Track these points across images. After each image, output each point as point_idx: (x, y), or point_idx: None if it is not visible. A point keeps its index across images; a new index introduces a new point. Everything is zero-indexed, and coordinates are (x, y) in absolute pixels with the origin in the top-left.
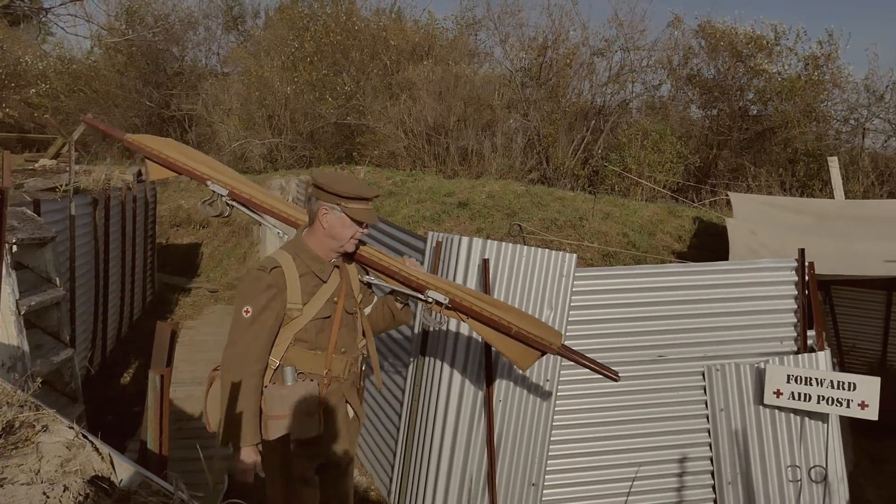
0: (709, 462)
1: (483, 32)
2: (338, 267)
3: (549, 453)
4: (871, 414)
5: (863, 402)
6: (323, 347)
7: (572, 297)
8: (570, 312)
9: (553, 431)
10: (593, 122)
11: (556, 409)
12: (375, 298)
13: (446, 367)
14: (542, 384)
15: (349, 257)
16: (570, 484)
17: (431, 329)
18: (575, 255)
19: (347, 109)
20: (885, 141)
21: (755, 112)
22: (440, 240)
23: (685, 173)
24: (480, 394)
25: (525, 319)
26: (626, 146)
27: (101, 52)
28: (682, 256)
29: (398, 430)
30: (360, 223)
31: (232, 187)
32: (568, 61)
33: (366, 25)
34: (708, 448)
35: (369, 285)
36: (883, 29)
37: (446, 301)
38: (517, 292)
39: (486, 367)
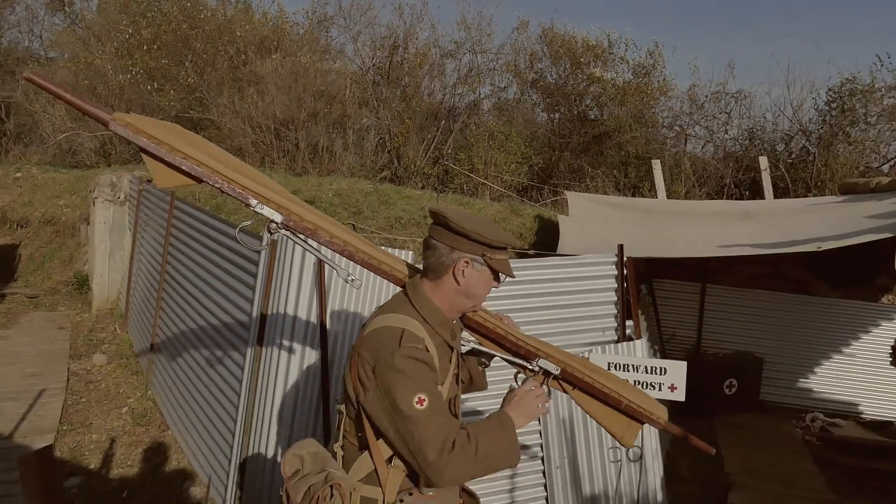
0: (539, 448)
1: (334, 29)
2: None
3: None
4: (679, 396)
5: (672, 385)
6: None
7: None
8: None
9: None
10: (443, 122)
11: None
12: None
13: (282, 369)
14: None
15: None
16: None
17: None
18: (412, 253)
19: (190, 102)
20: (703, 146)
21: (593, 116)
22: (275, 239)
23: (529, 173)
24: (317, 392)
25: (632, 391)
26: (474, 146)
27: None
28: (522, 253)
29: (233, 435)
30: (497, 279)
31: (290, 211)
32: (419, 61)
33: (211, 14)
34: (538, 435)
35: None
36: (704, 43)
37: (557, 372)
38: (353, 291)
39: (322, 369)
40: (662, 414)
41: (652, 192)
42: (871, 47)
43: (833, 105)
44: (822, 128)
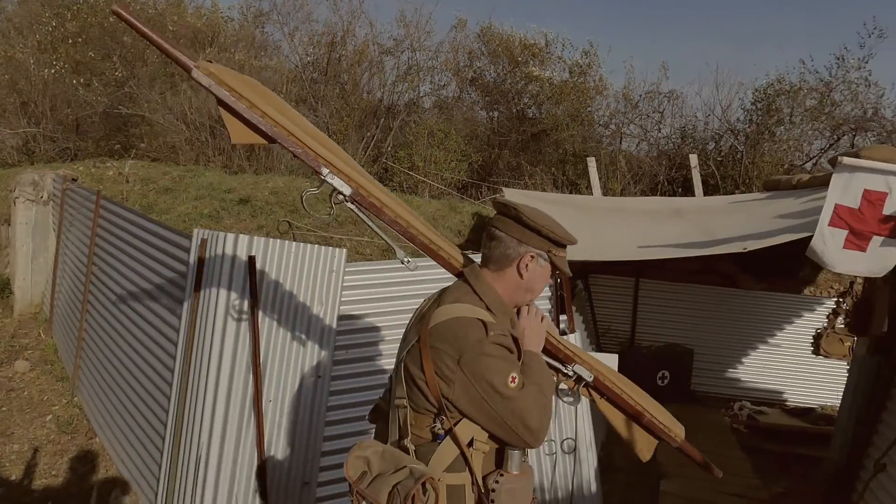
0: None
1: (270, 25)
2: None
3: (323, 449)
4: None
5: None
6: None
7: (343, 293)
8: (341, 307)
9: (326, 427)
10: (382, 119)
11: (329, 404)
12: None
13: (213, 372)
14: (314, 381)
15: None
16: (344, 479)
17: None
18: (345, 250)
19: (119, 97)
20: (638, 145)
21: (531, 115)
22: (205, 237)
23: (469, 171)
24: (249, 395)
25: (654, 406)
26: (414, 144)
27: None
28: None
29: (164, 439)
30: (553, 274)
31: (359, 185)
32: (357, 58)
33: (141, 8)
34: None
35: None
36: (638, 44)
37: (590, 378)
38: (286, 289)
39: (253, 367)
40: (680, 432)
41: (589, 189)
42: (795, 51)
43: (759, 105)
44: (749, 127)
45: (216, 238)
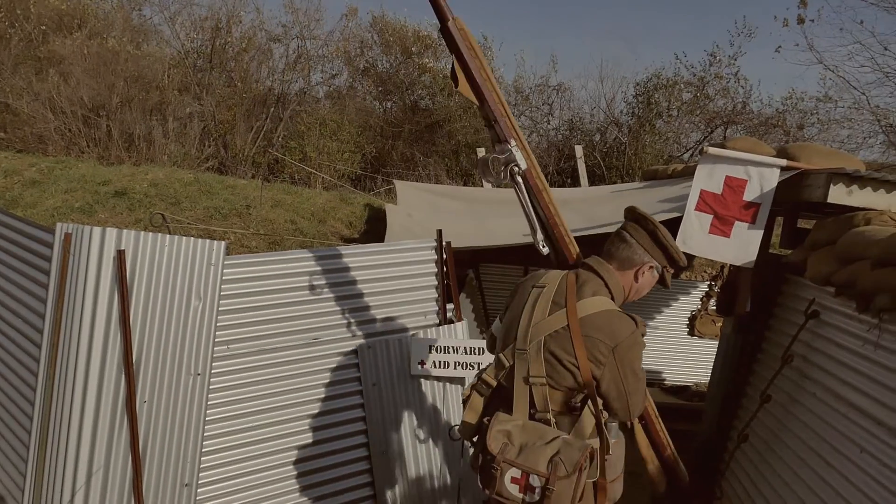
0: (363, 436)
1: (148, 8)
2: None
3: (203, 450)
4: None
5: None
6: None
7: (223, 286)
8: (221, 301)
9: (206, 427)
10: (272, 109)
11: (210, 402)
12: None
13: (80, 373)
14: (192, 379)
15: None
16: (229, 477)
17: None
18: (224, 243)
19: None
20: (529, 136)
21: (424, 106)
22: (69, 231)
23: (363, 162)
24: (122, 396)
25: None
26: (306, 135)
27: None
28: (351, 241)
29: (28, 448)
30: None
31: (532, 164)
32: (244, 45)
33: None
34: (363, 423)
35: None
36: (529, 38)
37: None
38: (160, 285)
39: (125, 368)
40: (684, 477)
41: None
42: (673, 47)
43: (640, 99)
44: (631, 120)
45: (81, 232)
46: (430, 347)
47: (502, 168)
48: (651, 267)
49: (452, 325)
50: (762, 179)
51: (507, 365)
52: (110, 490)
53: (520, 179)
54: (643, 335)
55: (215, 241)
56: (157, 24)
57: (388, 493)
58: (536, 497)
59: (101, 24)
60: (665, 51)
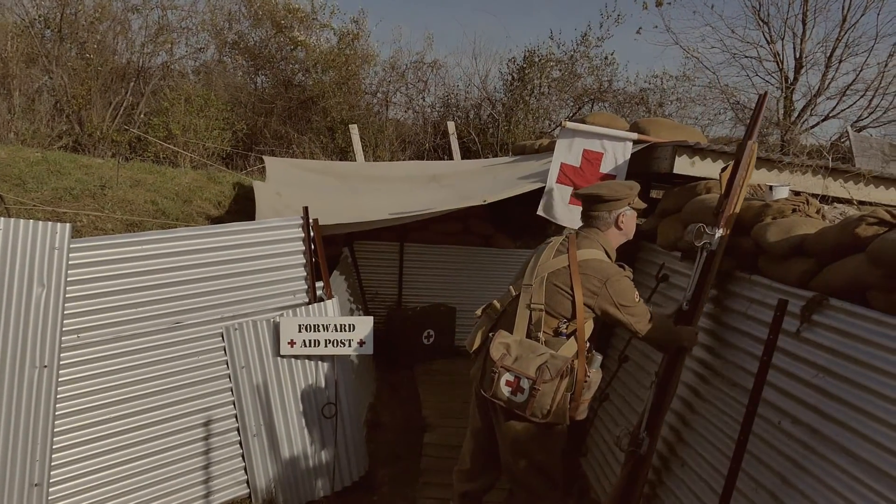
0: (234, 419)
1: None
2: None
3: (55, 447)
4: (368, 350)
5: (360, 340)
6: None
7: (69, 272)
8: (69, 288)
9: (57, 422)
10: (132, 83)
11: (60, 395)
12: None
13: None
14: (37, 372)
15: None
16: (87, 473)
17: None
18: (69, 226)
19: None
20: (405, 112)
21: (298, 82)
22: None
23: (234, 140)
24: None
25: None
26: (170, 111)
27: None
28: (219, 221)
29: None
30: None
31: (719, 252)
32: (98, 15)
33: None
34: (232, 406)
35: None
36: (406, 15)
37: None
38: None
39: None
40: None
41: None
42: (545, 24)
43: (514, 76)
44: (505, 96)
45: None
46: (300, 326)
47: (701, 242)
48: (626, 214)
49: (322, 302)
50: (616, 152)
51: (514, 294)
52: None
53: (705, 254)
54: (630, 278)
55: (59, 224)
56: None
57: (262, 476)
58: (525, 397)
59: None
60: (539, 29)
